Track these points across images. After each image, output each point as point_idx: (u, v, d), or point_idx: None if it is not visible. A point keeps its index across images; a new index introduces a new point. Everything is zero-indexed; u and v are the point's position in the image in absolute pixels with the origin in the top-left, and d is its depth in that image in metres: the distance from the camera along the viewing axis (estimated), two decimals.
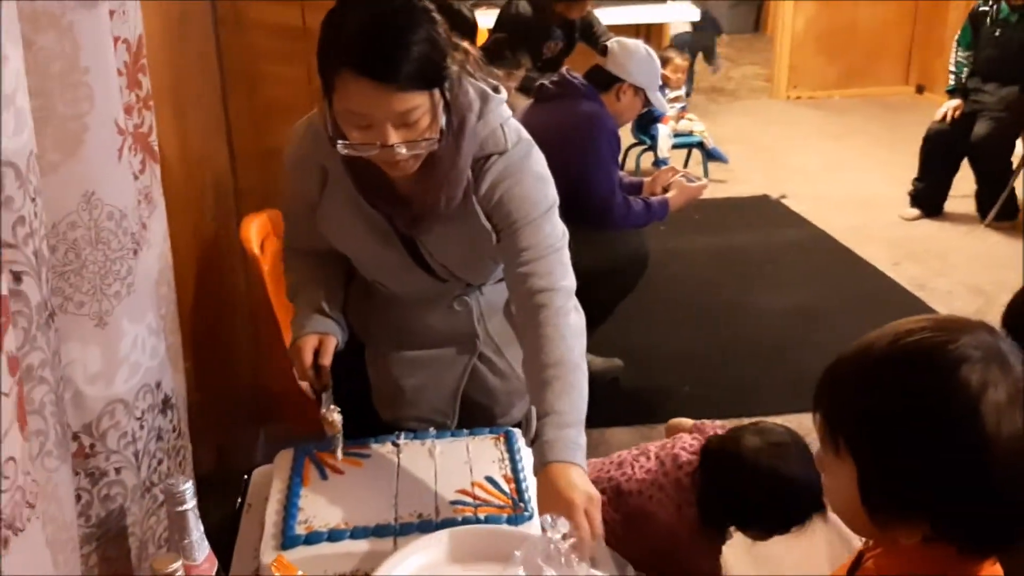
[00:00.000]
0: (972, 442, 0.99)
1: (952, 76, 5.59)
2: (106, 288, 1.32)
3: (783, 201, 6.02)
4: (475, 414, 2.00)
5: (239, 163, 3.07)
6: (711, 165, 6.39)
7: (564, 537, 1.29)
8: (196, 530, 1.38)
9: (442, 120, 1.57)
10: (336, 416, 1.72)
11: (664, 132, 6.08)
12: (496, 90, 1.70)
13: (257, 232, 2.61)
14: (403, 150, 1.52)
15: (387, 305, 1.93)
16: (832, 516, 2.17)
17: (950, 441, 1.00)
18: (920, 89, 8.60)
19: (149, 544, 1.53)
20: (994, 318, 1.51)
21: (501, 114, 1.69)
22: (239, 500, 1.77)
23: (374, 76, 1.44)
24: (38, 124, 1.08)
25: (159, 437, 1.53)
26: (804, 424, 3.41)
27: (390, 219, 1.73)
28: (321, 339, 1.77)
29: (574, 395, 1.59)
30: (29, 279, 1.02)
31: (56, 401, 1.15)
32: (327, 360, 1.76)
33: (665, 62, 6.12)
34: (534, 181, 1.71)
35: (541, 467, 1.52)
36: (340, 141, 1.54)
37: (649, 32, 8.17)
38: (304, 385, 1.92)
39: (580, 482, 1.47)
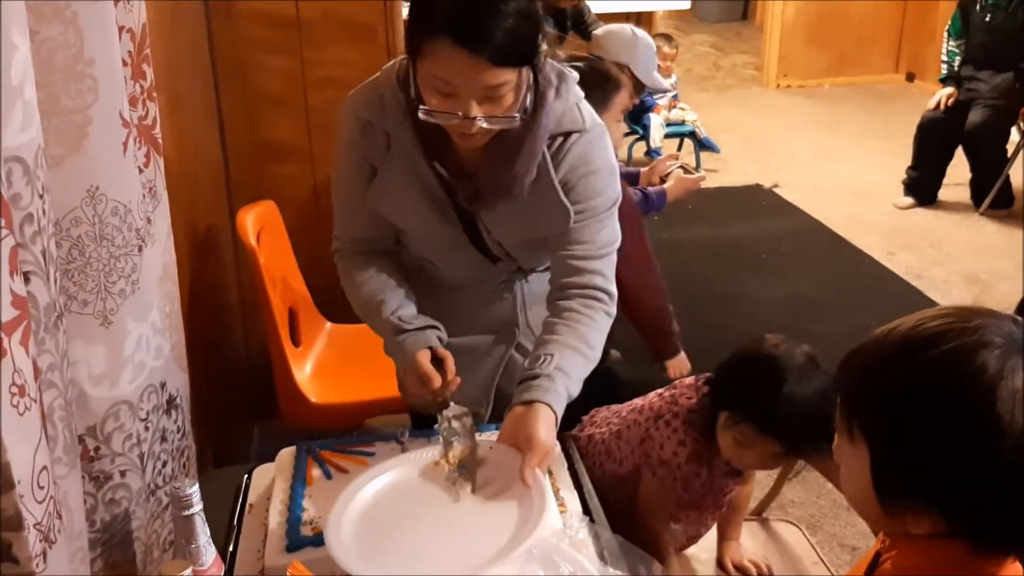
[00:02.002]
0: (984, 430, 0.96)
1: (944, 65, 5.57)
2: (111, 286, 1.28)
3: (776, 190, 6.01)
4: (507, 404, 1.97)
5: (232, 155, 3.02)
6: (703, 155, 6.37)
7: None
8: (203, 534, 1.35)
9: (525, 97, 1.55)
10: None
11: (656, 122, 6.06)
12: (568, 70, 1.68)
13: (253, 224, 2.57)
14: (484, 124, 1.50)
15: (428, 288, 1.90)
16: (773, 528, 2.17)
17: (962, 427, 0.97)
18: (910, 77, 8.60)
19: (154, 548, 1.50)
20: (991, 307, 1.49)
21: (576, 93, 1.67)
22: (239, 500, 1.73)
23: (470, 47, 1.41)
24: (42, 117, 1.04)
25: (164, 438, 1.50)
26: None
27: (451, 192, 1.70)
28: (437, 352, 1.68)
29: (582, 378, 1.63)
30: (37, 279, 0.98)
31: (65, 405, 1.11)
32: (453, 377, 1.65)
33: None
34: (609, 173, 1.70)
35: (537, 400, 1.54)
36: (422, 107, 1.51)
37: (639, 20, 8.15)
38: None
39: (554, 434, 1.55)
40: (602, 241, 1.70)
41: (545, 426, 1.51)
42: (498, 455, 1.55)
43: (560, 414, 1.56)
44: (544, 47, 1.54)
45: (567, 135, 1.65)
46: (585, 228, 1.68)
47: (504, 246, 1.78)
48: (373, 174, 1.71)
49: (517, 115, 1.53)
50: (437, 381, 1.61)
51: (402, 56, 1.63)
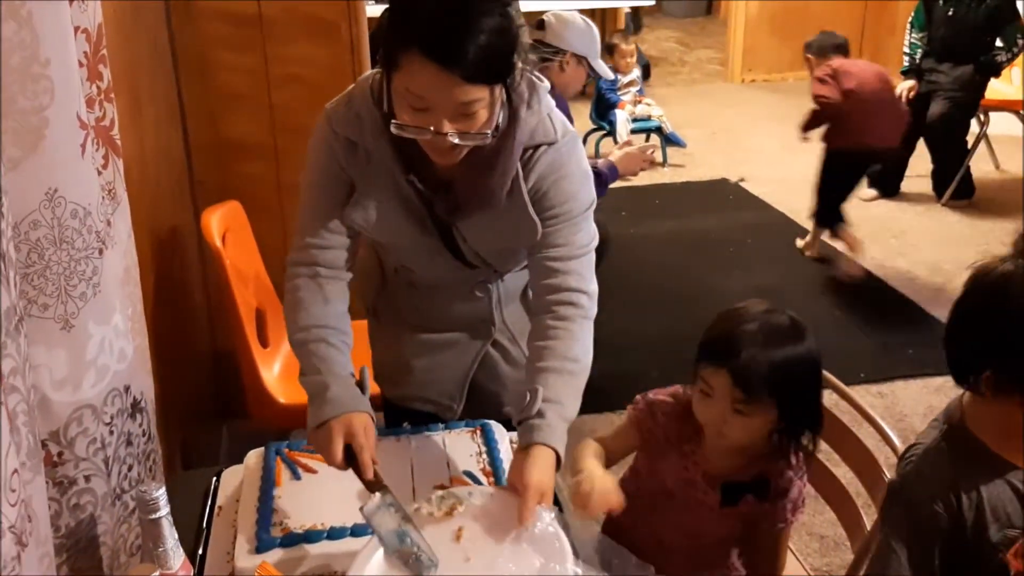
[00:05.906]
0: None
1: (906, 58, 5.61)
2: (71, 289, 1.27)
3: (742, 184, 6.05)
4: (483, 401, 1.98)
5: (195, 155, 3.00)
6: (669, 150, 6.40)
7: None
8: (171, 537, 1.34)
9: (499, 114, 1.55)
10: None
11: (622, 117, 6.08)
12: (539, 79, 1.68)
13: (218, 225, 2.55)
14: (456, 140, 1.49)
15: (404, 288, 1.91)
16: None
17: None
18: None
19: (121, 553, 1.49)
20: (955, 296, 1.51)
21: (548, 103, 1.67)
22: (208, 501, 1.72)
23: (442, 62, 1.40)
24: None
25: (129, 442, 1.48)
26: None
27: (428, 204, 1.70)
28: (365, 425, 1.55)
29: (576, 395, 1.62)
30: None
31: (28, 410, 1.10)
32: (373, 452, 1.53)
33: (612, 49, 6.11)
34: (581, 177, 1.70)
35: (532, 443, 1.52)
36: (394, 121, 1.50)
37: (604, 16, 8.17)
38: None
39: (552, 473, 1.52)
40: (578, 243, 1.70)
41: (539, 467, 1.49)
42: (498, 500, 1.51)
43: (559, 444, 1.54)
44: (519, 65, 1.52)
45: (537, 147, 1.65)
46: (560, 231, 1.68)
47: (480, 254, 1.78)
48: (348, 188, 1.69)
49: (489, 132, 1.52)
50: (369, 471, 1.50)
51: (376, 70, 1.62)
